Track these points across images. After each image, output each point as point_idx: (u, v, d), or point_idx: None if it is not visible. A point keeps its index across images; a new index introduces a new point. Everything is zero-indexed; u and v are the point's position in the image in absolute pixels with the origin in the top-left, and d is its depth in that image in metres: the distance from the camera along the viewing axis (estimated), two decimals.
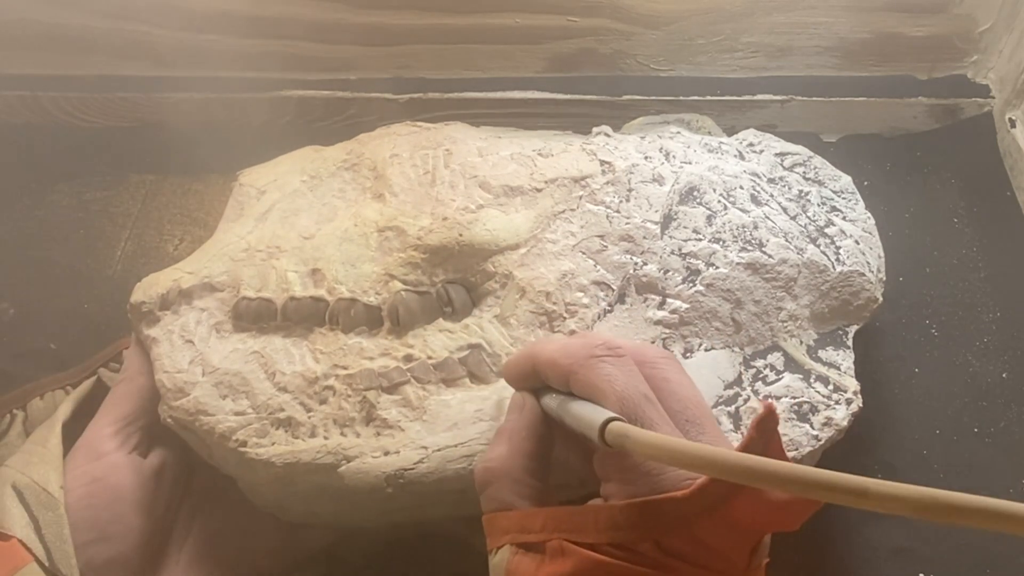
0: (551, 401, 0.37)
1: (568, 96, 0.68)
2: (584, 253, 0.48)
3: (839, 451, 0.46)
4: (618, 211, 0.49)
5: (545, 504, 0.35)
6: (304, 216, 0.51)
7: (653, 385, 0.35)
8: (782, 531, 0.32)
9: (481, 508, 0.36)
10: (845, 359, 0.48)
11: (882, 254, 0.52)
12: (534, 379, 0.38)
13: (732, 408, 0.45)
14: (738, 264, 0.48)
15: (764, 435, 0.30)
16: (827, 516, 0.51)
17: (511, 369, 0.40)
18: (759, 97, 0.68)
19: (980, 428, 0.54)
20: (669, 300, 0.47)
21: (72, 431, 0.45)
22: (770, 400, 0.33)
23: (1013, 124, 0.67)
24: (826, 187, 0.54)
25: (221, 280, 0.48)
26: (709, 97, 0.68)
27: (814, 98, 0.68)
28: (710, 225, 0.49)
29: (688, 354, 0.46)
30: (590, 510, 0.33)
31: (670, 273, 0.47)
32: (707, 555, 0.31)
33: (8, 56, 0.70)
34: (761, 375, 0.46)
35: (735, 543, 0.32)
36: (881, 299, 0.50)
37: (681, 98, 0.68)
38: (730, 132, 0.58)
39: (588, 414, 0.32)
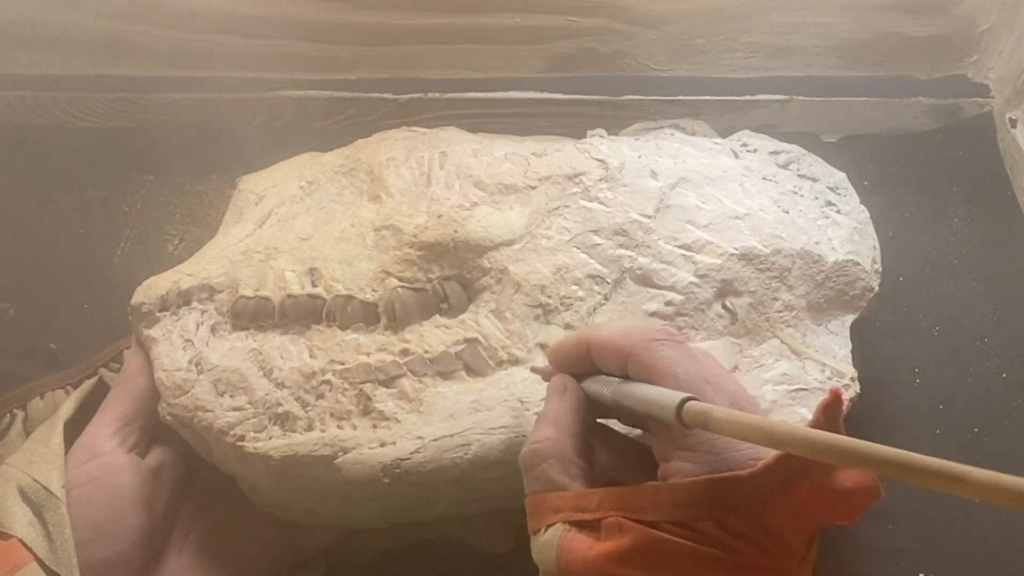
0: (599, 385, 0.37)
1: (568, 96, 0.68)
2: (579, 248, 0.48)
3: None
4: (612, 206, 0.49)
5: (595, 485, 0.35)
6: (302, 219, 0.52)
7: (708, 372, 0.35)
8: (841, 522, 0.32)
9: (526, 489, 0.36)
10: (842, 347, 0.48)
11: (877, 245, 0.52)
12: (583, 363, 0.38)
13: None
14: (732, 255, 0.48)
15: (830, 420, 0.30)
16: None
17: (561, 351, 0.40)
18: (759, 97, 0.68)
19: (980, 428, 0.54)
20: (664, 292, 0.47)
21: (73, 431, 0.45)
22: (836, 386, 0.33)
23: (1013, 124, 0.67)
24: (820, 183, 0.54)
25: (220, 281, 0.48)
26: (709, 97, 0.68)
27: (814, 98, 0.68)
28: (703, 217, 0.49)
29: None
30: (650, 488, 0.33)
31: (665, 265, 0.48)
32: (767, 538, 0.31)
33: (8, 56, 0.70)
34: (759, 363, 0.46)
35: (795, 529, 0.32)
36: (877, 288, 0.50)
37: (681, 98, 0.68)
38: (729, 132, 0.58)
39: (658, 395, 0.33)
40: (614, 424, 0.41)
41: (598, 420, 0.39)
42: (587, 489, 0.34)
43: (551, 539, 0.34)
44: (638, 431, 0.41)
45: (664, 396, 0.32)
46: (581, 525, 0.33)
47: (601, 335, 0.37)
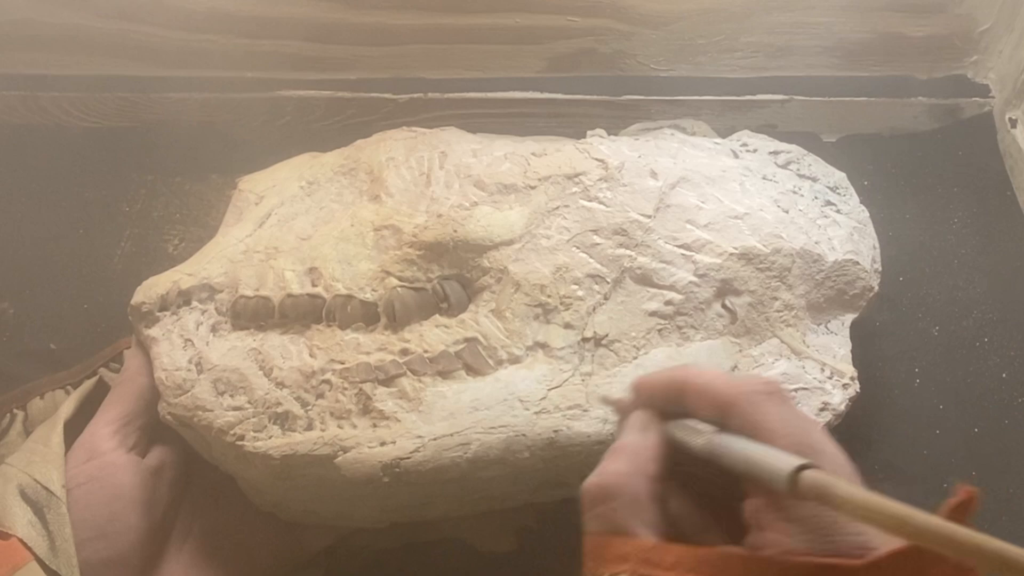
0: (688, 431, 0.34)
1: (568, 96, 0.68)
2: (578, 247, 0.48)
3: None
4: (612, 206, 0.49)
5: (668, 538, 0.31)
6: (302, 219, 0.52)
7: (815, 438, 0.31)
8: None
9: (586, 525, 0.33)
10: (842, 346, 0.48)
11: (877, 245, 0.52)
12: (672, 403, 0.35)
13: None
14: (732, 254, 0.48)
15: (964, 518, 0.26)
16: None
17: (649, 386, 0.36)
18: (759, 97, 0.68)
19: (980, 428, 0.54)
20: (664, 291, 0.47)
21: (73, 430, 0.45)
22: (969, 488, 0.28)
23: (1013, 124, 0.67)
24: (819, 183, 0.54)
25: (220, 281, 0.48)
26: (709, 97, 0.68)
27: (814, 98, 0.68)
28: (703, 217, 0.49)
29: (685, 344, 0.46)
30: (739, 557, 0.30)
31: (664, 265, 0.48)
32: None
33: (8, 56, 0.70)
34: (758, 363, 0.46)
35: None
36: (877, 288, 0.50)
37: (681, 98, 0.68)
38: (730, 132, 0.58)
39: (765, 456, 0.29)
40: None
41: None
42: (662, 543, 0.31)
43: None
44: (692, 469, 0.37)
45: (774, 459, 0.29)
46: None
47: (701, 378, 0.34)
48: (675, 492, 0.35)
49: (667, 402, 0.35)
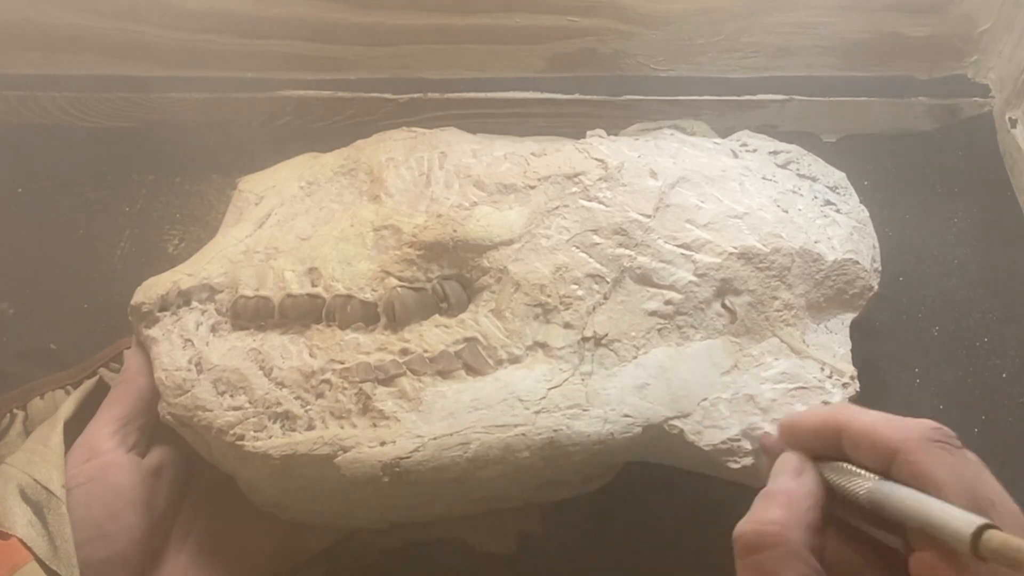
0: (848, 478, 0.32)
1: (568, 96, 0.68)
2: (578, 247, 0.48)
3: None
4: (611, 206, 0.49)
5: None
6: (302, 220, 0.52)
7: (991, 491, 0.30)
8: None
9: (739, 575, 0.32)
10: (842, 345, 0.48)
11: (876, 244, 0.52)
12: (827, 446, 0.33)
13: (728, 395, 0.45)
14: (731, 254, 0.48)
15: None
16: None
17: (802, 426, 0.35)
18: (759, 97, 0.68)
19: (980, 428, 0.54)
20: (664, 291, 0.47)
21: (73, 430, 0.45)
22: None
23: (1013, 124, 0.67)
24: (819, 183, 0.54)
25: (220, 281, 0.48)
26: (709, 97, 0.68)
27: (814, 98, 0.68)
28: (703, 216, 0.49)
29: (684, 343, 0.46)
30: None
31: (664, 264, 0.48)
32: None
33: (8, 56, 0.70)
34: (758, 362, 0.46)
35: None
36: (876, 287, 0.50)
37: (681, 98, 0.68)
38: (730, 132, 0.58)
39: (942, 511, 0.28)
40: None
41: None
42: None
43: None
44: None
45: (951, 516, 0.27)
46: None
47: (861, 421, 0.32)
48: (832, 536, 0.33)
49: (821, 445, 0.33)
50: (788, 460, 0.34)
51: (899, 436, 0.30)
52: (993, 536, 0.26)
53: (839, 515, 0.34)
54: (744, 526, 0.32)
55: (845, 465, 0.32)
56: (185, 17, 0.66)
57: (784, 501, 0.32)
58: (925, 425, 0.31)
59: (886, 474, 0.31)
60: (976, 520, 0.26)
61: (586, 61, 0.68)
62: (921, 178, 0.67)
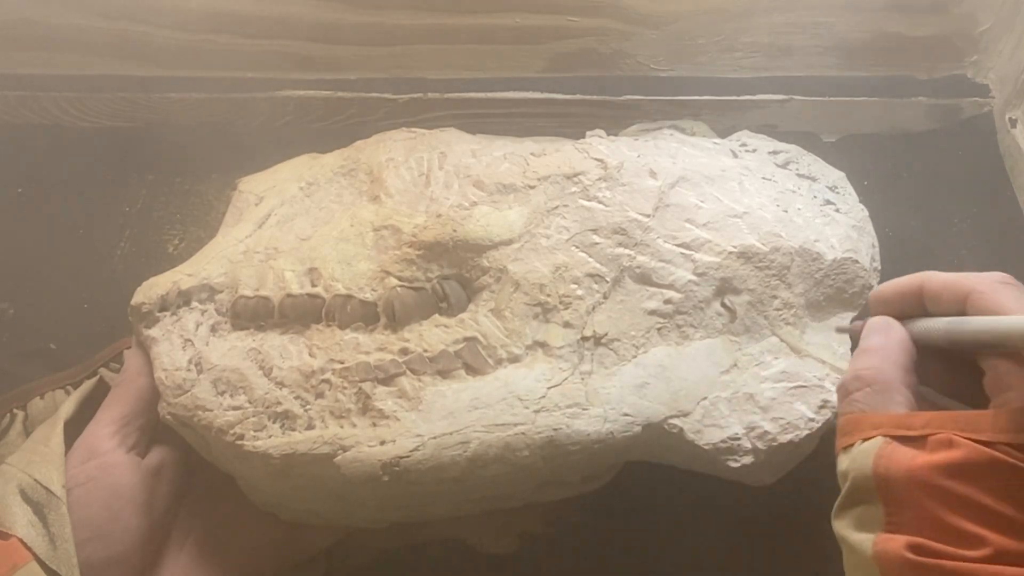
0: (930, 324, 0.36)
1: (568, 96, 0.68)
2: (578, 247, 0.48)
3: None
4: (611, 205, 0.49)
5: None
6: (301, 220, 0.52)
7: None
8: None
9: (840, 411, 0.36)
10: (841, 344, 0.48)
11: (876, 243, 0.52)
12: (913, 305, 0.38)
13: (728, 394, 0.45)
14: (731, 253, 0.48)
15: None
16: (826, 516, 0.51)
17: (891, 291, 0.39)
18: (759, 97, 0.68)
19: None
20: (663, 290, 0.47)
21: (74, 430, 0.45)
22: None
23: (1013, 124, 0.67)
24: (818, 182, 0.54)
25: (220, 281, 0.48)
26: (709, 97, 0.68)
27: (814, 98, 0.68)
28: (702, 216, 0.49)
29: (684, 342, 0.46)
30: (988, 412, 0.32)
31: (664, 264, 0.48)
32: None
33: (8, 56, 0.70)
34: (758, 361, 0.46)
35: None
36: (876, 286, 0.50)
37: (681, 98, 0.68)
38: (730, 132, 0.58)
39: (1007, 320, 0.32)
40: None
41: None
42: (913, 412, 0.34)
43: (870, 448, 0.33)
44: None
45: (1014, 320, 0.31)
46: (904, 440, 0.32)
47: (940, 276, 0.37)
48: (921, 393, 0.37)
49: (905, 306, 0.38)
50: (876, 322, 0.38)
51: (972, 280, 0.35)
52: None
53: (927, 370, 0.37)
54: (845, 377, 0.36)
55: (926, 319, 0.37)
56: (185, 17, 0.66)
57: (878, 350, 0.36)
58: (995, 273, 0.36)
59: (961, 315, 0.35)
60: None
61: (586, 61, 0.68)
62: (921, 178, 0.67)
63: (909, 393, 0.35)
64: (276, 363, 0.45)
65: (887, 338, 0.37)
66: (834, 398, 0.45)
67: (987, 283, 0.35)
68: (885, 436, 0.33)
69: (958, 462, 0.30)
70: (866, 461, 0.33)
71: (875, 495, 0.32)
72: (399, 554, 0.50)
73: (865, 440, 0.33)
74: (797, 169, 0.55)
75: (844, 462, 0.34)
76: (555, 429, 0.43)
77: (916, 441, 0.32)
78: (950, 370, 0.37)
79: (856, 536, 0.32)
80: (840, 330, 0.46)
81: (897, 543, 0.30)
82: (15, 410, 0.51)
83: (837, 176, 0.55)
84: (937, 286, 0.36)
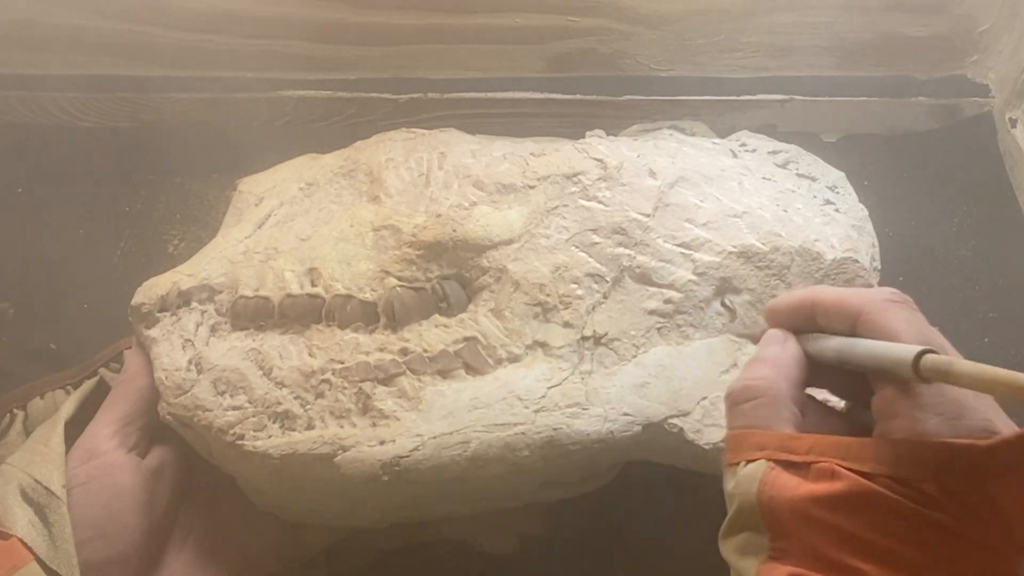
0: (821, 342, 0.36)
1: (568, 96, 0.68)
2: (577, 246, 0.48)
3: None
4: (610, 205, 0.49)
5: (804, 432, 0.34)
6: (301, 220, 0.52)
7: (941, 342, 0.34)
8: None
9: (728, 423, 0.36)
10: None
11: (876, 243, 0.52)
12: (804, 321, 0.37)
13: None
14: (731, 253, 0.48)
15: None
16: None
17: (783, 307, 0.39)
18: (759, 97, 0.68)
19: None
20: (663, 290, 0.47)
21: (74, 430, 0.45)
22: None
23: (1013, 124, 0.67)
24: (818, 182, 0.54)
25: (220, 282, 0.48)
26: (709, 97, 0.68)
27: (814, 98, 0.68)
28: (702, 216, 0.49)
29: (684, 342, 0.47)
30: (868, 441, 0.32)
31: (663, 263, 0.48)
32: (992, 515, 0.29)
33: (8, 56, 0.70)
34: None
35: (1022, 516, 0.30)
36: (876, 286, 0.50)
37: (681, 98, 0.68)
38: (730, 132, 0.58)
39: (892, 348, 0.32)
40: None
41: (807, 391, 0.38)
42: (798, 433, 0.33)
43: (753, 473, 0.33)
44: (841, 404, 0.40)
45: (900, 349, 0.31)
46: (787, 465, 0.32)
47: (829, 293, 0.36)
48: (810, 406, 0.37)
49: (799, 320, 0.38)
50: (772, 333, 0.38)
51: (862, 300, 0.35)
52: (930, 358, 0.29)
53: (819, 385, 0.38)
54: (735, 383, 0.36)
55: (819, 335, 0.37)
56: (185, 17, 0.66)
57: (771, 362, 0.36)
58: (884, 290, 0.35)
59: (852, 335, 0.35)
60: (917, 348, 0.30)
61: (586, 61, 0.68)
62: (921, 178, 0.67)
63: (797, 410, 0.35)
64: (276, 363, 0.45)
65: (783, 351, 0.37)
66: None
67: (876, 304, 0.34)
68: (769, 460, 0.33)
69: (839, 495, 0.30)
70: (751, 487, 0.33)
71: (760, 522, 0.32)
72: (399, 554, 0.50)
73: (750, 461, 0.33)
74: (797, 169, 0.55)
75: (730, 483, 0.34)
76: (555, 429, 0.43)
77: (799, 468, 0.32)
78: (846, 371, 0.37)
79: (741, 562, 0.33)
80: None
81: (779, 573, 0.31)
82: (15, 410, 0.51)
83: (837, 176, 0.55)
84: (828, 303, 0.36)
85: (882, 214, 0.56)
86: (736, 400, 0.36)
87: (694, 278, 0.47)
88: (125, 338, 0.52)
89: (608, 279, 0.47)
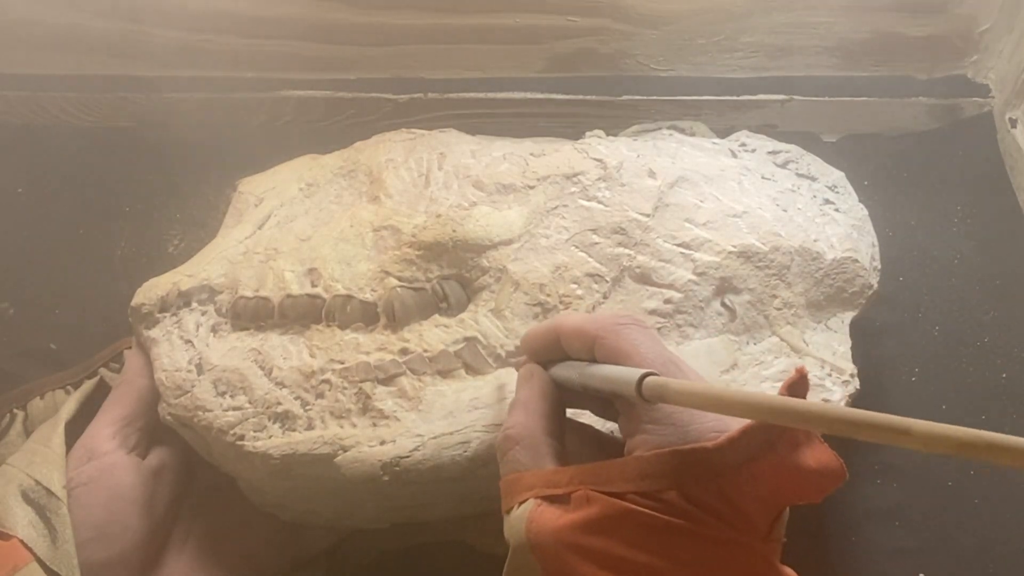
0: (568, 370, 0.38)
1: (568, 96, 0.68)
2: (577, 246, 0.48)
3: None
4: (610, 205, 0.49)
5: (567, 462, 0.36)
6: (301, 221, 0.52)
7: (670, 355, 0.36)
8: (805, 502, 0.33)
9: (500, 472, 0.37)
10: (842, 344, 0.48)
11: (876, 243, 0.52)
12: (554, 350, 0.39)
13: None
14: (731, 253, 0.48)
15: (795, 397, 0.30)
16: (827, 515, 0.51)
17: (533, 339, 0.40)
18: (759, 97, 0.68)
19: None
20: (663, 290, 0.47)
21: (74, 431, 0.45)
22: (802, 365, 0.34)
23: (1013, 124, 0.67)
24: (818, 182, 0.54)
25: (220, 282, 0.49)
26: (709, 97, 0.68)
27: (814, 98, 0.68)
28: (702, 215, 0.49)
29: (684, 342, 0.47)
30: (617, 462, 0.33)
31: (663, 263, 0.48)
32: (730, 510, 0.31)
33: (8, 56, 0.70)
34: (758, 361, 0.47)
35: (759, 505, 0.32)
36: (876, 286, 0.50)
37: (681, 98, 0.68)
38: (730, 132, 0.58)
39: (620, 373, 0.34)
40: (588, 419, 0.41)
41: (570, 415, 0.40)
42: (560, 467, 0.35)
43: (522, 513, 0.34)
44: (612, 425, 0.41)
45: (626, 373, 0.33)
46: (552, 499, 0.34)
47: (569, 322, 0.38)
48: (580, 434, 0.40)
49: (549, 350, 0.39)
50: (523, 370, 0.40)
51: (595, 326, 0.36)
52: (648, 381, 0.31)
53: (578, 421, 0.41)
54: (498, 435, 0.38)
55: (570, 361, 0.38)
56: (185, 17, 0.66)
57: (522, 404, 0.38)
58: (617, 314, 0.39)
59: (594, 361, 0.37)
60: (639, 371, 0.32)
61: (586, 61, 0.68)
62: (921, 178, 0.67)
63: (555, 442, 0.36)
64: (276, 363, 0.45)
65: (530, 389, 0.38)
66: (835, 397, 0.45)
67: (608, 328, 0.36)
68: (536, 498, 0.34)
69: (595, 518, 0.32)
70: (520, 527, 0.34)
71: (533, 560, 0.33)
72: (399, 554, 0.50)
73: (521, 503, 0.35)
74: (797, 169, 0.55)
75: (505, 529, 0.35)
76: None
77: (562, 500, 0.33)
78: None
79: None
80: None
81: None
82: (15, 410, 0.51)
83: (837, 176, 0.55)
84: (568, 331, 0.38)
85: (882, 214, 0.56)
86: (502, 451, 0.37)
87: (694, 278, 0.47)
88: (125, 338, 0.52)
89: (608, 279, 0.47)
